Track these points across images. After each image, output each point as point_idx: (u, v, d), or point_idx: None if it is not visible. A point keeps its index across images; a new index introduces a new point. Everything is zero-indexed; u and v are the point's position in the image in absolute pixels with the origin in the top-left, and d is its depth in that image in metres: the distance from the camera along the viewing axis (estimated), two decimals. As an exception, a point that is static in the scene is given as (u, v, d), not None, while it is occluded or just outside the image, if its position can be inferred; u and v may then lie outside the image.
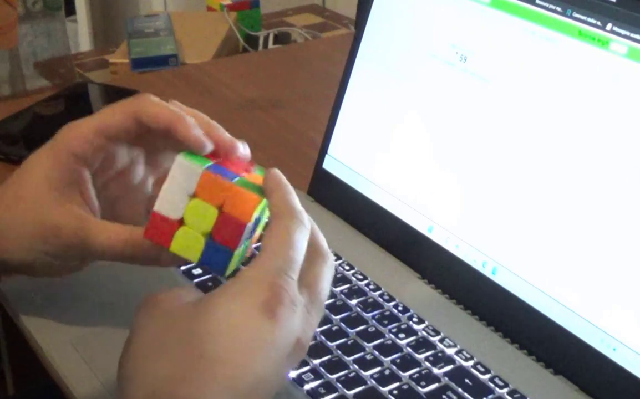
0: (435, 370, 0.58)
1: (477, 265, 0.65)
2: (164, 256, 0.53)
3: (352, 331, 0.61)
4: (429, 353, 0.59)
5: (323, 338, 0.60)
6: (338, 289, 0.65)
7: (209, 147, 0.52)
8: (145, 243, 0.51)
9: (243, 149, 0.54)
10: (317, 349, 0.59)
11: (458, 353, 0.60)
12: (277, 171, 0.51)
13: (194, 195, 0.49)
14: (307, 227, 0.49)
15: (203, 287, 0.65)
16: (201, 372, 0.43)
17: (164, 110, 0.54)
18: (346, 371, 0.57)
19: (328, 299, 0.64)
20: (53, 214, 0.54)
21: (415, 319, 0.63)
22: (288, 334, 0.46)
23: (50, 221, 0.54)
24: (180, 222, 0.49)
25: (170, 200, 0.50)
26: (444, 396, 0.56)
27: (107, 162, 0.57)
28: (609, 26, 0.59)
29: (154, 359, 0.45)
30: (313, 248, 0.50)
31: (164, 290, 0.48)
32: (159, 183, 0.56)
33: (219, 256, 0.49)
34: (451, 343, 0.60)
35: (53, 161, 0.55)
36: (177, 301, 0.47)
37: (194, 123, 0.53)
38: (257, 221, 0.51)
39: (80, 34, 2.45)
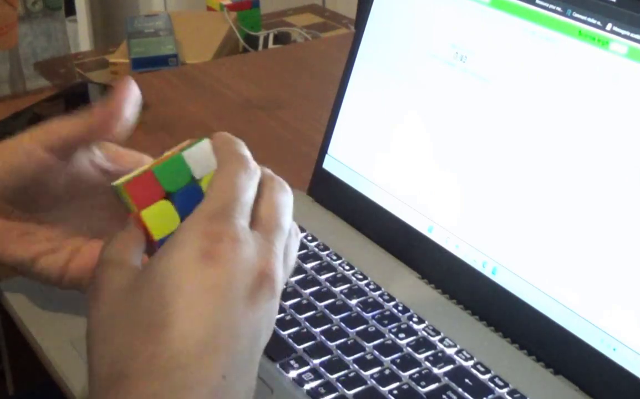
0: (435, 370, 0.58)
1: (477, 265, 0.65)
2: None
3: (352, 331, 0.61)
4: (429, 353, 0.59)
5: (323, 337, 0.60)
6: (338, 289, 0.65)
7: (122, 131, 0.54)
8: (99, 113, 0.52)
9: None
10: (317, 349, 0.59)
11: (458, 353, 0.60)
12: (224, 133, 0.49)
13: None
14: (252, 170, 0.47)
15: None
16: (151, 341, 0.41)
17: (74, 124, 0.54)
18: (346, 371, 0.57)
19: (328, 299, 0.64)
20: (22, 145, 0.54)
21: (415, 319, 0.63)
22: (239, 271, 0.43)
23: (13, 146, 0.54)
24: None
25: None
26: (444, 396, 0.56)
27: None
28: (609, 26, 0.59)
29: (103, 344, 0.42)
30: (264, 181, 0.48)
31: (107, 272, 0.45)
32: None
33: None
34: (451, 343, 0.60)
35: (23, 152, 0.55)
36: (122, 280, 0.44)
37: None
38: None
39: (80, 34, 2.45)
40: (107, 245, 0.46)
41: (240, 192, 0.45)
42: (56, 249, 0.57)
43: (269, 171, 0.49)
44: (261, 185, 0.48)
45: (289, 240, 0.47)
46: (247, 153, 0.48)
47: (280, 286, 0.45)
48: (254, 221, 0.46)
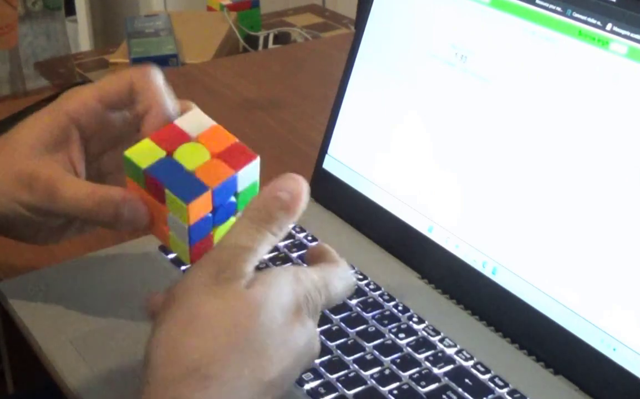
0: (435, 370, 0.58)
1: (477, 265, 0.65)
2: (124, 214, 0.52)
3: (352, 331, 0.61)
4: (429, 353, 0.59)
5: (323, 338, 0.60)
6: (338, 289, 0.65)
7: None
8: (105, 200, 0.52)
9: None
10: (317, 349, 0.59)
11: (458, 353, 0.60)
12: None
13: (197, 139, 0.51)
14: (351, 288, 0.53)
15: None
16: (241, 361, 0.45)
17: (153, 90, 0.55)
18: (346, 371, 0.57)
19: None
20: (32, 164, 0.55)
21: (415, 319, 0.63)
22: (312, 340, 0.49)
23: (27, 169, 0.55)
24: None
25: (189, 121, 0.52)
26: (444, 396, 0.56)
27: (102, 130, 0.57)
28: (609, 26, 0.59)
29: (202, 338, 0.45)
30: (331, 258, 0.53)
31: (241, 265, 0.48)
32: None
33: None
34: (451, 343, 0.60)
35: (47, 118, 0.56)
36: (239, 285, 0.47)
37: (166, 117, 0.54)
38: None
39: (80, 34, 2.45)
40: (244, 227, 0.49)
41: (337, 296, 0.52)
42: None
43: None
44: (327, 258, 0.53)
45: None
46: (353, 278, 0.54)
47: None
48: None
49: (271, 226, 0.49)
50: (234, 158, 0.51)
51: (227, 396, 0.44)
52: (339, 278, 0.52)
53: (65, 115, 0.56)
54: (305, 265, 0.53)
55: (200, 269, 0.48)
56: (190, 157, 0.50)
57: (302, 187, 0.50)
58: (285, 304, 0.48)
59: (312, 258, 0.53)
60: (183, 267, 0.67)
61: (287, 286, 0.48)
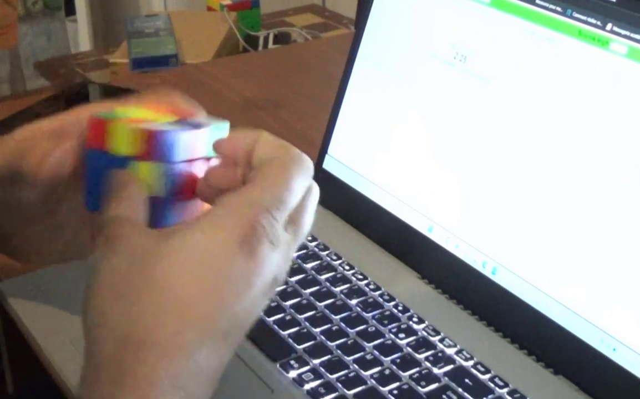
0: (435, 370, 0.58)
1: (477, 265, 0.65)
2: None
3: (352, 331, 0.61)
4: (429, 353, 0.59)
5: (323, 338, 0.60)
6: (338, 289, 0.65)
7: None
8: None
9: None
10: (317, 349, 0.59)
11: (458, 353, 0.60)
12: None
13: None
14: (309, 172, 0.47)
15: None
16: (176, 316, 0.41)
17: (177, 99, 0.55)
18: (346, 371, 0.57)
19: (328, 299, 0.64)
20: (19, 133, 0.55)
21: (415, 319, 0.63)
22: (267, 273, 0.44)
23: (10, 135, 0.55)
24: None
25: None
26: (444, 396, 0.56)
27: None
28: (609, 26, 0.59)
29: (123, 304, 0.42)
30: (311, 186, 0.48)
31: (124, 228, 0.44)
32: None
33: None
34: (451, 343, 0.60)
35: (56, 117, 0.56)
36: (144, 237, 0.44)
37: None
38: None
39: (80, 34, 2.45)
40: (114, 199, 0.46)
41: (293, 195, 0.46)
42: None
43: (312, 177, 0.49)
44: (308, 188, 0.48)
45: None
46: (305, 156, 0.48)
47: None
48: (289, 220, 0.46)
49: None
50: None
51: (171, 359, 0.41)
52: (289, 175, 0.46)
53: (73, 114, 0.56)
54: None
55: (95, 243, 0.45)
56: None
57: None
58: (217, 242, 0.43)
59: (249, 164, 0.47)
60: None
61: (215, 224, 0.43)
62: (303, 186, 0.47)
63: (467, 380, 0.57)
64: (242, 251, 0.43)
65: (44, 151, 0.54)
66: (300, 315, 0.62)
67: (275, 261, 0.44)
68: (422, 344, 0.60)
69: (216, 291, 0.42)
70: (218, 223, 0.43)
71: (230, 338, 0.43)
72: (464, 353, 0.60)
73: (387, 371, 0.58)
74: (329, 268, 0.68)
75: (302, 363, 0.58)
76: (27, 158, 0.54)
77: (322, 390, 0.56)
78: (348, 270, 0.68)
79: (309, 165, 0.47)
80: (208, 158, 0.50)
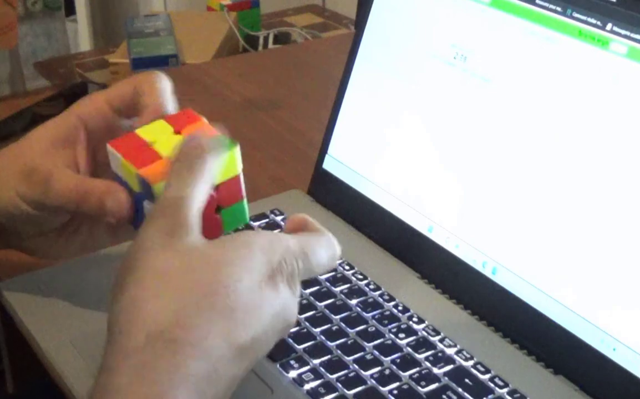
0: (435, 370, 0.58)
1: (477, 265, 0.65)
2: (107, 204, 0.54)
3: (352, 331, 0.61)
4: (429, 353, 0.59)
5: (323, 337, 0.60)
6: (338, 289, 0.65)
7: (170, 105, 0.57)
8: (89, 190, 0.54)
9: None
10: (317, 349, 0.59)
11: (458, 353, 0.60)
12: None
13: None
14: (336, 257, 0.53)
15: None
16: (207, 322, 0.44)
17: (155, 94, 0.56)
18: (346, 371, 0.57)
19: (328, 299, 0.64)
20: (36, 158, 0.56)
21: (415, 319, 0.63)
22: (285, 309, 0.48)
23: (30, 163, 0.56)
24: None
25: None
26: (444, 396, 0.56)
27: (109, 134, 0.58)
28: (609, 26, 0.59)
29: (164, 301, 0.44)
30: (313, 228, 0.53)
31: (186, 217, 0.47)
32: None
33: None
34: (451, 343, 0.60)
35: (60, 119, 0.58)
36: (198, 237, 0.47)
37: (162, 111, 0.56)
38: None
39: (80, 34, 2.45)
40: (182, 175, 0.48)
41: (319, 269, 0.51)
42: None
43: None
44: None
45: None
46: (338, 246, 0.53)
47: None
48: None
49: (198, 167, 0.49)
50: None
51: (196, 360, 0.43)
52: (319, 245, 0.51)
53: (75, 116, 0.58)
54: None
55: (151, 227, 0.47)
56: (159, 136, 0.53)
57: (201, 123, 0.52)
58: (255, 267, 0.47)
59: (293, 228, 0.53)
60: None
61: (258, 250, 0.47)
62: (331, 260, 0.52)
63: (467, 380, 0.57)
64: (270, 283, 0.47)
65: (68, 179, 0.56)
66: (300, 315, 0.62)
67: (291, 303, 0.49)
68: (422, 344, 0.60)
69: (246, 311, 0.45)
70: (254, 257, 0.47)
71: (246, 356, 0.46)
72: (464, 353, 0.60)
73: (387, 371, 0.58)
74: (329, 268, 0.68)
75: (302, 363, 0.58)
76: (55, 188, 0.56)
77: (322, 390, 0.56)
78: (348, 270, 0.68)
79: (337, 254, 0.53)
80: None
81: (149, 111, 0.56)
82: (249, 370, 0.47)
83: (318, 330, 0.61)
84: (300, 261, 0.49)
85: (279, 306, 0.47)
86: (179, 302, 0.44)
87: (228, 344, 0.44)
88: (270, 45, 1.40)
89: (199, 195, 0.48)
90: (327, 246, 0.52)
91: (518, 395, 0.56)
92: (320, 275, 0.53)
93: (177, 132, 0.54)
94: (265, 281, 0.47)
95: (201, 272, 0.45)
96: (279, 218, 0.74)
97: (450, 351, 0.60)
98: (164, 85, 0.57)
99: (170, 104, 0.56)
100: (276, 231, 0.55)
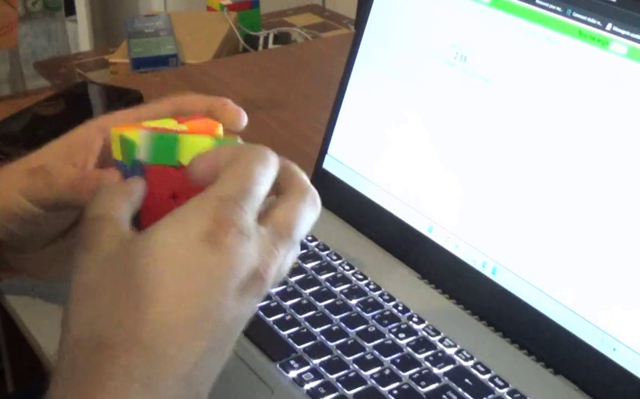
0: (435, 370, 0.58)
1: (477, 265, 0.65)
2: None
3: (352, 331, 0.61)
4: (429, 353, 0.59)
5: (323, 338, 0.60)
6: (338, 289, 0.65)
7: (245, 118, 0.53)
8: (87, 178, 0.53)
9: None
10: (317, 349, 0.59)
11: (458, 353, 0.60)
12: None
13: None
14: (271, 162, 0.46)
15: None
16: (136, 311, 0.41)
17: (201, 98, 0.55)
18: (346, 371, 0.57)
19: (328, 299, 0.64)
20: (44, 158, 0.56)
21: (415, 319, 0.63)
22: (237, 265, 0.42)
23: (37, 163, 0.56)
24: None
25: None
26: (444, 396, 0.56)
27: None
28: (609, 26, 0.59)
29: (85, 306, 0.42)
30: (289, 182, 0.47)
31: (98, 230, 0.44)
32: None
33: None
34: (451, 343, 0.60)
35: (79, 129, 0.57)
36: (114, 241, 0.44)
37: (229, 101, 0.54)
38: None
39: (80, 34, 2.45)
40: (96, 198, 0.46)
41: (255, 183, 0.45)
42: None
43: (305, 179, 0.48)
44: (291, 189, 0.47)
45: (295, 251, 0.47)
46: (268, 149, 0.47)
47: (267, 290, 0.45)
48: (267, 218, 0.45)
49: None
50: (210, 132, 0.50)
51: (126, 352, 0.40)
52: (254, 167, 0.45)
53: (95, 127, 0.57)
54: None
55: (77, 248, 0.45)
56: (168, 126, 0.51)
57: None
58: (184, 234, 0.42)
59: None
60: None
61: (173, 223, 0.43)
62: (267, 175, 0.46)
63: (467, 380, 0.57)
64: (207, 245, 0.42)
65: (70, 171, 0.55)
66: (300, 315, 0.62)
67: (248, 252, 0.43)
68: (422, 344, 0.60)
69: (180, 287, 0.41)
70: (182, 220, 0.43)
71: (207, 334, 0.42)
72: (464, 353, 0.60)
73: (387, 371, 0.58)
74: (329, 268, 0.68)
75: (302, 363, 0.58)
76: (58, 181, 0.55)
77: (322, 390, 0.56)
78: (348, 270, 0.68)
79: (268, 155, 0.46)
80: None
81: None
82: (224, 344, 0.43)
83: (318, 330, 0.61)
84: (239, 200, 0.43)
85: (228, 266, 0.42)
86: (98, 305, 0.42)
87: (167, 329, 0.40)
88: (270, 45, 1.40)
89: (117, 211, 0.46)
90: (255, 162, 0.45)
91: (518, 395, 0.56)
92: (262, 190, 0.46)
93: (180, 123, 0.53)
94: (200, 245, 0.42)
95: (122, 261, 0.42)
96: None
97: (450, 351, 0.60)
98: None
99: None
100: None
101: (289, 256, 0.47)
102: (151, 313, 0.41)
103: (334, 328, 0.61)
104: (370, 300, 0.64)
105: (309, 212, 0.47)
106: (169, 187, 0.48)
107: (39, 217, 0.57)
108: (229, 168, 0.45)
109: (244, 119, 0.53)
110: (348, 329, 0.61)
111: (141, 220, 0.47)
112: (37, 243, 0.60)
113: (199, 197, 0.44)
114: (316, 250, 0.70)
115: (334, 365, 0.58)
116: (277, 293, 0.64)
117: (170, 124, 0.52)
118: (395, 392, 0.56)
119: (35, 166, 0.56)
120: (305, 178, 0.48)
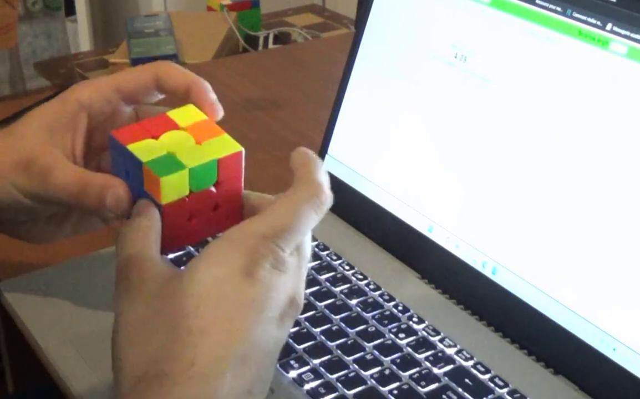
0: (435, 370, 0.58)
1: (477, 265, 0.65)
2: (106, 199, 0.52)
3: (352, 331, 0.61)
4: (429, 353, 0.59)
5: (323, 337, 0.60)
6: (338, 289, 0.65)
7: (221, 113, 0.54)
8: (90, 185, 0.52)
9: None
10: (317, 349, 0.59)
11: (458, 353, 0.60)
12: (303, 149, 0.51)
13: None
14: (322, 203, 0.48)
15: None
16: (189, 346, 0.43)
17: (183, 73, 0.55)
18: (346, 371, 0.57)
19: (328, 299, 0.64)
20: (33, 148, 0.55)
21: (415, 319, 0.63)
22: (275, 295, 0.45)
23: (26, 154, 0.55)
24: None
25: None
26: (444, 396, 0.56)
27: (112, 121, 0.57)
28: (609, 26, 0.59)
29: (140, 344, 0.44)
30: (305, 191, 0.49)
31: (138, 271, 0.47)
32: None
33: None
34: (451, 343, 0.60)
35: (57, 104, 0.56)
36: (156, 280, 0.46)
37: (210, 88, 0.54)
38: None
39: (80, 34, 2.45)
40: (127, 237, 0.47)
41: (302, 224, 0.47)
42: None
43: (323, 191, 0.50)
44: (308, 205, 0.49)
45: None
46: (323, 179, 0.49)
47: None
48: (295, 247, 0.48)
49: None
50: (217, 146, 0.50)
51: (182, 385, 0.42)
52: (294, 209, 0.47)
53: (76, 102, 0.56)
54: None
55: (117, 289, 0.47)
56: (175, 141, 0.50)
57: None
58: (220, 271, 0.45)
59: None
60: (183, 267, 0.67)
61: (216, 257, 0.46)
62: (313, 222, 0.48)
63: (467, 380, 0.57)
64: (245, 279, 0.45)
65: (68, 172, 0.54)
66: (300, 315, 0.62)
67: (283, 284, 0.46)
68: (422, 344, 0.60)
69: (225, 320, 0.44)
70: (222, 255, 0.46)
71: (250, 361, 0.44)
72: (464, 353, 0.60)
73: (387, 371, 0.58)
74: (329, 268, 0.68)
75: (302, 363, 0.58)
76: (55, 182, 0.54)
77: (322, 390, 0.56)
78: (348, 270, 0.68)
79: (323, 200, 0.48)
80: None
81: (197, 89, 0.54)
82: (264, 371, 0.45)
83: (318, 330, 0.61)
84: (276, 239, 0.46)
85: (266, 297, 0.45)
86: (151, 343, 0.44)
87: (218, 361, 0.43)
88: (270, 45, 1.40)
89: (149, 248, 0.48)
90: (301, 201, 0.47)
91: (518, 395, 0.56)
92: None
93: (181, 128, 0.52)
94: (239, 279, 0.45)
95: (165, 306, 0.45)
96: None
97: (450, 351, 0.60)
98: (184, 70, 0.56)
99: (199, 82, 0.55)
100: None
101: (306, 271, 0.49)
102: (205, 346, 0.43)
103: (334, 328, 0.61)
104: (370, 300, 0.64)
105: (314, 221, 0.49)
106: (186, 211, 0.49)
107: (32, 207, 0.56)
108: (278, 207, 0.47)
109: (219, 115, 0.54)
110: (348, 329, 0.61)
111: (162, 245, 0.49)
112: (28, 221, 0.59)
113: (239, 231, 0.46)
114: (316, 250, 0.70)
115: (334, 365, 0.58)
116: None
117: (174, 135, 0.52)
118: (395, 392, 0.56)
119: (27, 158, 0.54)
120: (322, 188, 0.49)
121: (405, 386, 0.56)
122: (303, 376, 0.57)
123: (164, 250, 0.49)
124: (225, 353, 0.43)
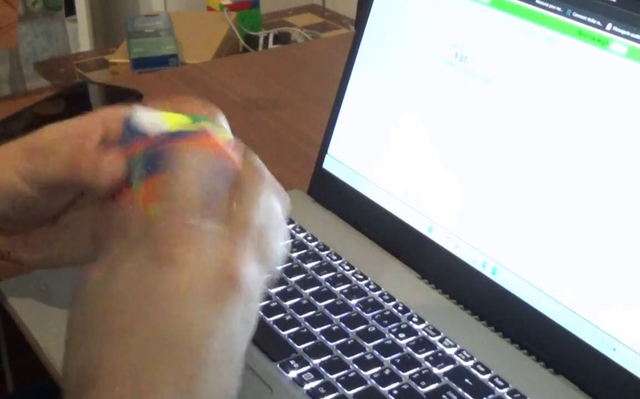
0: (435, 370, 0.58)
1: (477, 265, 0.65)
2: (104, 168, 0.50)
3: (352, 331, 0.61)
4: (429, 353, 0.59)
5: (323, 337, 0.60)
6: (338, 289, 0.65)
7: None
8: (85, 155, 0.51)
9: None
10: (317, 349, 0.59)
11: (458, 353, 0.60)
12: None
13: None
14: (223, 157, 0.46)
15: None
16: (116, 346, 0.41)
17: (200, 102, 0.54)
18: (346, 371, 0.57)
19: (328, 299, 0.64)
20: (42, 143, 0.54)
21: (415, 319, 0.63)
22: (197, 273, 0.41)
23: (36, 144, 0.54)
24: None
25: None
26: (444, 396, 0.56)
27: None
28: (609, 26, 0.59)
29: (75, 351, 0.43)
30: (246, 173, 0.46)
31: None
32: None
33: None
34: (451, 343, 0.60)
35: (82, 119, 0.55)
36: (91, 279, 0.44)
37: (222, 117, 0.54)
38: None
39: (80, 34, 2.45)
40: None
41: (199, 184, 0.44)
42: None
43: (256, 161, 0.47)
44: (242, 177, 0.46)
45: (269, 235, 0.45)
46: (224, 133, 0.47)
47: (250, 285, 0.43)
48: (225, 216, 0.44)
49: None
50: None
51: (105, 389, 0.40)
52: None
53: (97, 116, 0.55)
54: None
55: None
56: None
57: None
58: (137, 257, 0.42)
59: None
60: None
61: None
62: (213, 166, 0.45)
63: (467, 380, 0.57)
64: (159, 266, 0.42)
65: (95, 160, 0.52)
66: (300, 315, 0.62)
67: (202, 257, 0.42)
68: (422, 344, 0.60)
69: (142, 311, 0.41)
70: (124, 254, 0.43)
71: (189, 352, 0.41)
72: (464, 353, 0.60)
73: (387, 371, 0.58)
74: (329, 268, 0.68)
75: (302, 363, 0.58)
76: (53, 159, 0.53)
77: (322, 390, 0.56)
78: (348, 270, 0.68)
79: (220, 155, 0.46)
80: None
81: None
82: (211, 351, 0.41)
83: (318, 330, 0.61)
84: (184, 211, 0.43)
85: (184, 278, 0.41)
86: (86, 345, 0.42)
87: (147, 354, 0.40)
88: (270, 45, 1.40)
89: None
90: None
91: (518, 395, 0.56)
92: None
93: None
94: (150, 264, 0.42)
95: (91, 303, 0.43)
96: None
97: (450, 351, 0.60)
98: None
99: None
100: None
101: (272, 240, 0.45)
102: (130, 344, 0.41)
103: (334, 328, 0.61)
104: (370, 300, 0.64)
105: (260, 193, 0.46)
106: None
107: (31, 200, 0.56)
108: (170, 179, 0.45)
109: None
110: (348, 329, 0.61)
111: None
112: (26, 226, 0.59)
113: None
114: (316, 250, 0.70)
115: (334, 365, 0.58)
116: (277, 293, 0.64)
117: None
118: (395, 392, 0.56)
119: (34, 146, 0.54)
120: (254, 160, 0.47)
121: (405, 386, 0.56)
122: (303, 376, 0.57)
123: None
124: (148, 349, 0.40)
